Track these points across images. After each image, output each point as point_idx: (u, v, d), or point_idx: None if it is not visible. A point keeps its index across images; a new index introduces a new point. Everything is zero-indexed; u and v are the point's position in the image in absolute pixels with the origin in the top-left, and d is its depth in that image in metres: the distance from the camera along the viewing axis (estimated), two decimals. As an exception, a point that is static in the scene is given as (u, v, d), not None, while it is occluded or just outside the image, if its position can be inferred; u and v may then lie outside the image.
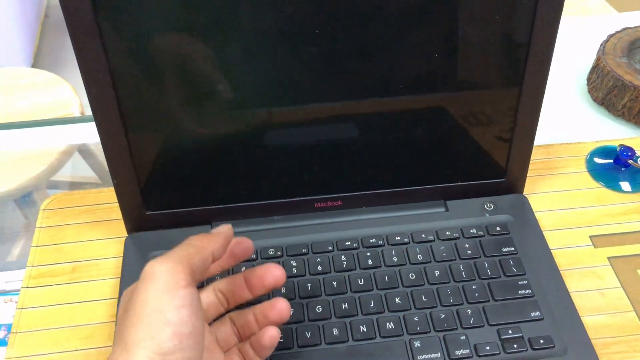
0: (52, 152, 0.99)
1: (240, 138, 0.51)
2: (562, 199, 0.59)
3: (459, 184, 0.55)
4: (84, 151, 1.05)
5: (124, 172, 0.50)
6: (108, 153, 0.49)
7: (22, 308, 0.51)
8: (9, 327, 0.67)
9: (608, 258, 0.54)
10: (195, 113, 0.49)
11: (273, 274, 0.43)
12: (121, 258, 0.53)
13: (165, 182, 0.52)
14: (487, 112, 0.52)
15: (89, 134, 0.80)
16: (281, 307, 0.42)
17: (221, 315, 0.44)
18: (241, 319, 0.43)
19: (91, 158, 1.05)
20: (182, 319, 0.34)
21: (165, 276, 0.35)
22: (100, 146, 1.01)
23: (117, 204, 0.53)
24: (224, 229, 0.42)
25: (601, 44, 0.70)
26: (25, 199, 1.02)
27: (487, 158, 0.54)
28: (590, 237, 0.56)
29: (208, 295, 0.43)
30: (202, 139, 0.50)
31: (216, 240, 0.40)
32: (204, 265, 0.38)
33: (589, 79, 0.72)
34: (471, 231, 0.53)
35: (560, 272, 0.51)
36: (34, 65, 2.04)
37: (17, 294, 0.68)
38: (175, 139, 0.50)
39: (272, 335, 0.41)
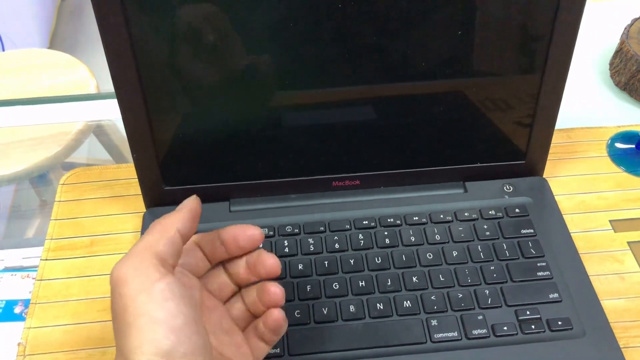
0: (68, 132, 0.99)
1: (260, 116, 0.51)
2: (582, 183, 0.58)
3: (478, 165, 0.54)
4: (99, 133, 1.05)
5: (143, 147, 0.50)
6: (128, 127, 0.49)
7: (41, 280, 0.52)
8: (26, 303, 0.68)
9: (628, 243, 0.53)
10: (216, 90, 0.49)
11: (265, 265, 0.40)
12: (139, 233, 0.54)
13: (184, 158, 0.52)
14: (508, 95, 0.52)
15: (105, 111, 0.81)
16: (274, 292, 0.39)
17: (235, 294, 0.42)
18: (250, 297, 0.41)
19: (107, 140, 1.06)
20: (170, 313, 0.33)
21: (135, 276, 0.33)
22: (115, 128, 1.01)
23: (135, 180, 0.53)
24: (187, 200, 0.39)
25: (625, 28, 0.69)
26: (41, 179, 1.03)
27: (508, 140, 0.54)
28: (610, 221, 0.55)
29: (220, 275, 0.41)
30: (222, 116, 0.50)
31: (178, 217, 0.37)
32: (173, 248, 0.36)
33: (611, 64, 0.71)
34: (490, 212, 0.53)
35: (580, 255, 0.50)
36: (50, 49, 2.05)
37: (35, 270, 0.68)
38: (196, 115, 0.50)
39: (275, 318, 0.39)
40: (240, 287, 0.42)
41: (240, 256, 0.41)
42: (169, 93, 0.48)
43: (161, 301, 0.33)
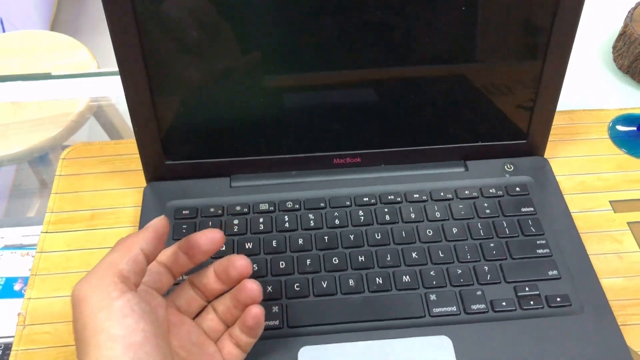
0: (68, 114, 0.99)
1: (262, 93, 0.51)
2: (583, 164, 0.58)
3: (480, 144, 0.54)
4: (100, 115, 1.05)
5: (145, 120, 0.50)
6: (130, 100, 0.49)
7: (41, 252, 0.52)
8: (25, 280, 0.69)
9: (628, 223, 0.54)
10: (219, 66, 0.49)
11: (236, 266, 0.40)
12: (139, 207, 0.54)
13: (185, 132, 0.52)
14: (510, 75, 0.52)
15: (107, 88, 0.81)
16: (251, 288, 0.40)
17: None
18: (221, 307, 0.41)
19: (107, 122, 1.06)
20: (129, 329, 0.32)
21: (94, 294, 0.33)
22: (115, 110, 1.01)
23: (137, 155, 0.53)
24: (154, 220, 0.38)
25: (629, 11, 0.69)
26: (42, 160, 1.03)
27: (509, 119, 0.54)
28: (610, 202, 0.55)
29: (187, 291, 0.41)
30: (225, 92, 0.50)
31: (143, 236, 0.37)
32: (136, 267, 0.35)
33: (614, 47, 0.71)
34: (490, 191, 0.53)
35: (579, 234, 0.51)
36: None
37: (34, 249, 0.69)
38: (198, 90, 0.50)
39: (254, 314, 0.39)
40: (209, 301, 0.42)
41: (207, 267, 0.41)
42: (171, 67, 0.48)
43: (120, 318, 0.32)
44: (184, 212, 0.51)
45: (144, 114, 0.50)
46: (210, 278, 0.41)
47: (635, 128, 0.60)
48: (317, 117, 0.53)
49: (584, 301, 0.46)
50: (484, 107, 0.53)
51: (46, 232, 0.53)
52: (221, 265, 0.41)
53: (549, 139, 0.56)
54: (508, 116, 0.54)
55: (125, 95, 0.49)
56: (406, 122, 0.53)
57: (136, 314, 0.33)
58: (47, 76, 0.79)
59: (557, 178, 0.55)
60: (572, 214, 0.52)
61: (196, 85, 0.50)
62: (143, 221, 0.51)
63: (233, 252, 0.49)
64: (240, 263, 0.40)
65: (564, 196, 0.53)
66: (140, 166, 0.54)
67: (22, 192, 1.00)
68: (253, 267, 0.47)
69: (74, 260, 0.51)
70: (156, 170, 0.53)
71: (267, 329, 0.44)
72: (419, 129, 0.54)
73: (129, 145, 0.59)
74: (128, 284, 0.34)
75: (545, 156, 0.56)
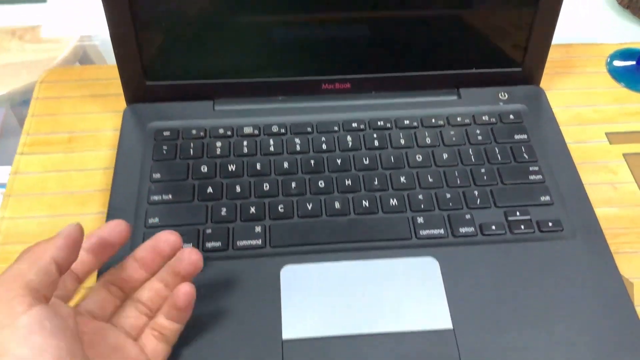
0: (53, 58, 0.96)
1: (248, 10, 0.48)
2: (579, 97, 0.56)
3: (473, 71, 0.52)
4: (85, 61, 1.02)
5: (125, 38, 0.48)
6: (109, 16, 0.47)
7: (16, 173, 0.50)
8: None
9: (623, 154, 0.52)
10: (200, -25, 0.46)
11: (168, 240, 0.37)
12: (119, 131, 0.51)
13: (167, 51, 0.50)
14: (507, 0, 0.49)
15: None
16: (190, 256, 0.37)
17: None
18: (145, 294, 0.38)
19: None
20: (36, 348, 0.28)
21: None
22: (101, 57, 0.98)
23: (117, 80, 0.51)
24: (66, 227, 0.34)
25: (632, -55, 0.66)
26: (25, 104, 1.00)
27: (504, 46, 0.52)
28: (606, 133, 0.53)
29: (99, 293, 0.37)
30: (209, 8, 0.48)
31: (54, 244, 0.32)
32: (46, 278, 0.31)
33: (615, -17, 0.69)
34: (483, 118, 0.51)
35: (574, 161, 0.49)
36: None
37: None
38: (181, 7, 0.48)
39: (186, 291, 0.36)
40: (128, 296, 0.38)
41: (125, 259, 0.38)
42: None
43: (26, 336, 0.28)
44: (164, 133, 0.49)
45: (124, 32, 0.48)
46: (129, 268, 0.37)
47: (634, 62, 0.58)
48: (306, 39, 0.50)
49: (576, 227, 0.44)
50: (479, 33, 0.51)
51: (21, 154, 0.51)
52: (145, 249, 0.37)
53: (545, 72, 0.54)
54: (503, 43, 0.52)
55: (105, 11, 0.47)
56: (398, 47, 0.51)
57: (46, 331, 0.29)
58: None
59: (553, 110, 0.53)
60: (567, 144, 0.50)
61: (179, 2, 0.47)
62: (122, 144, 0.49)
63: (215, 175, 0.47)
64: (169, 237, 0.37)
65: (560, 128, 0.52)
66: (121, 91, 0.52)
67: (6, 134, 0.98)
68: (236, 189, 0.46)
69: (50, 182, 0.49)
70: (136, 91, 0.51)
71: (248, 248, 0.43)
72: (412, 54, 0.52)
73: (110, 70, 0.57)
74: (37, 296, 0.30)
75: (541, 87, 0.54)
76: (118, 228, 0.37)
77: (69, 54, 0.97)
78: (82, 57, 1.01)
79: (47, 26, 0.95)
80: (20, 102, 1.00)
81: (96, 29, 0.91)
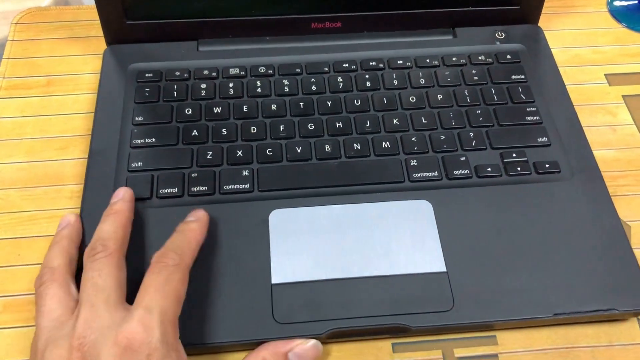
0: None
1: (231, -57, 0.46)
2: (578, 37, 0.54)
3: (469, 9, 0.50)
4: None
5: (101, -28, 0.45)
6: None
7: (-8, 118, 0.48)
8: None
9: (623, 96, 0.50)
10: None
11: None
12: (98, 74, 0.49)
13: (147, -12, 0.47)
14: None
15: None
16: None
17: None
18: None
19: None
20: None
21: None
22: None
23: (97, 22, 0.48)
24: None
25: None
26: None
27: (503, -18, 0.49)
28: (605, 75, 0.52)
29: None
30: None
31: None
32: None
33: None
34: (479, 58, 0.49)
35: (572, 102, 0.47)
36: None
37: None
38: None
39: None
40: None
41: None
42: None
43: None
44: (146, 75, 0.47)
45: (100, -36, 0.45)
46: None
47: (636, 1, 0.56)
48: (293, -25, 0.48)
49: (574, 167, 0.43)
50: (476, -31, 0.49)
51: (-3, 98, 0.49)
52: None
53: (544, 11, 0.51)
54: (501, -21, 0.49)
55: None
56: (391, -17, 0.49)
57: None
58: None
59: (551, 51, 0.51)
60: (565, 85, 0.49)
61: None
62: (103, 85, 0.47)
63: (200, 117, 0.45)
64: None
65: (558, 69, 0.50)
66: (101, 32, 0.49)
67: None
68: (222, 132, 0.44)
69: (28, 127, 0.47)
70: (116, 30, 0.49)
71: (236, 192, 0.41)
72: (405, -10, 0.49)
73: (89, 11, 0.54)
74: None
75: (539, 27, 0.52)
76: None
77: (49, 2, 0.93)
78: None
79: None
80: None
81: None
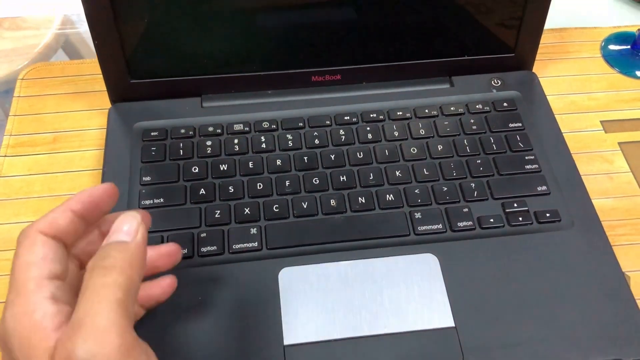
0: (34, 45, 0.94)
1: (233, 2, 0.47)
2: (573, 83, 0.55)
3: (465, 58, 0.51)
4: (68, 48, 1.00)
5: (106, 33, 0.46)
6: (88, 9, 0.45)
7: (0, 176, 0.48)
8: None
9: (619, 143, 0.51)
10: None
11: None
12: (104, 130, 0.50)
13: (151, 47, 0.48)
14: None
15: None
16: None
17: None
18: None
19: (76, 56, 1.00)
20: None
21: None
22: (85, 43, 0.95)
23: (101, 75, 0.49)
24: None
25: None
26: (7, 94, 0.98)
27: (496, 31, 0.51)
28: (601, 121, 0.53)
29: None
30: (193, 2, 0.46)
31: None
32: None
33: (606, -36, 0.68)
34: (477, 106, 0.50)
35: (569, 148, 0.48)
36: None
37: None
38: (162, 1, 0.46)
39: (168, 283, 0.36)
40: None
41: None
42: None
43: None
44: (152, 133, 0.48)
45: (104, 28, 0.46)
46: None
47: (629, 47, 0.57)
48: (294, 30, 0.49)
49: (574, 216, 0.44)
50: (470, 20, 0.50)
51: (4, 156, 0.49)
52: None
53: (539, 58, 0.53)
54: (495, 28, 0.51)
55: (83, 2, 0.45)
56: (388, 35, 0.50)
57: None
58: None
59: (547, 98, 0.52)
60: (562, 132, 0.50)
61: (162, -5, 0.46)
62: (109, 144, 0.48)
63: (207, 175, 0.46)
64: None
65: (554, 116, 0.51)
66: (105, 86, 0.50)
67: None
68: (229, 189, 0.45)
69: (35, 185, 0.48)
70: (120, 89, 0.50)
71: (245, 251, 0.42)
72: (402, 42, 0.50)
73: (93, 65, 0.55)
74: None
75: (534, 72, 0.54)
76: (112, 191, 0.33)
77: (50, 40, 0.94)
78: (65, 43, 0.98)
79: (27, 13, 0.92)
80: (3, 92, 0.98)
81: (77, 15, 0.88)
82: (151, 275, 0.35)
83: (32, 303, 0.28)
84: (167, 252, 0.35)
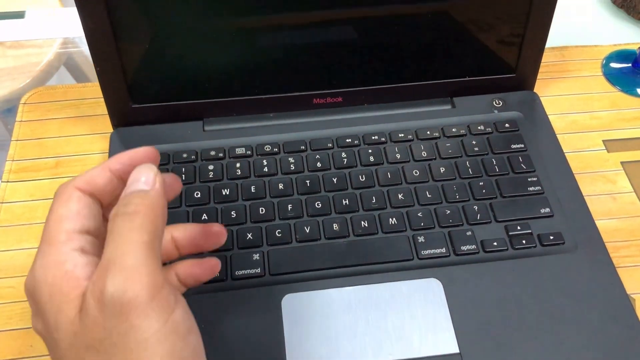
0: (37, 63, 0.94)
1: (235, 28, 0.47)
2: (575, 103, 0.55)
3: (467, 79, 0.51)
4: (70, 66, 1.00)
5: (108, 58, 0.46)
6: (89, 35, 0.45)
7: (2, 202, 0.48)
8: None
9: (621, 163, 0.51)
10: (185, -6, 0.45)
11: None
12: (106, 154, 0.50)
13: (152, 72, 0.49)
14: (498, 5, 0.48)
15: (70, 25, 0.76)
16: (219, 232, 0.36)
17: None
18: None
19: (78, 73, 1.01)
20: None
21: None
22: (87, 60, 0.96)
23: (102, 100, 0.49)
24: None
25: (622, -58, 0.65)
26: (10, 112, 0.98)
27: (497, 52, 0.51)
28: (603, 141, 0.53)
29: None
30: (194, 26, 0.46)
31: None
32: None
33: (606, -19, 0.68)
34: (479, 128, 0.50)
35: (572, 170, 0.48)
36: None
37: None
38: (166, 25, 0.46)
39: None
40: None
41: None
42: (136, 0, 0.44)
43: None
44: (154, 157, 0.48)
45: (106, 53, 0.46)
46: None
47: (630, 64, 0.57)
48: (294, 54, 0.49)
49: (577, 239, 0.44)
50: (471, 40, 0.50)
51: (7, 182, 0.50)
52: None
53: (540, 77, 0.53)
54: (496, 49, 0.51)
55: (84, 30, 0.45)
56: (389, 57, 0.50)
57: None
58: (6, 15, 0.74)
59: (549, 117, 0.52)
60: (564, 153, 0.50)
61: (163, 19, 0.46)
62: (111, 168, 0.48)
63: (209, 200, 0.46)
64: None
65: (556, 136, 0.51)
66: (107, 111, 0.50)
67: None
68: (231, 214, 0.45)
69: (38, 211, 0.48)
70: (123, 114, 0.50)
71: (248, 277, 0.42)
72: (403, 64, 0.51)
73: (95, 89, 0.55)
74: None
75: (535, 92, 0.54)
76: (153, 154, 0.32)
77: (52, 57, 0.95)
78: (68, 61, 0.99)
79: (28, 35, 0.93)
80: (5, 110, 0.98)
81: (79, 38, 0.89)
82: (194, 254, 0.36)
83: (62, 253, 0.29)
84: (217, 232, 0.35)
